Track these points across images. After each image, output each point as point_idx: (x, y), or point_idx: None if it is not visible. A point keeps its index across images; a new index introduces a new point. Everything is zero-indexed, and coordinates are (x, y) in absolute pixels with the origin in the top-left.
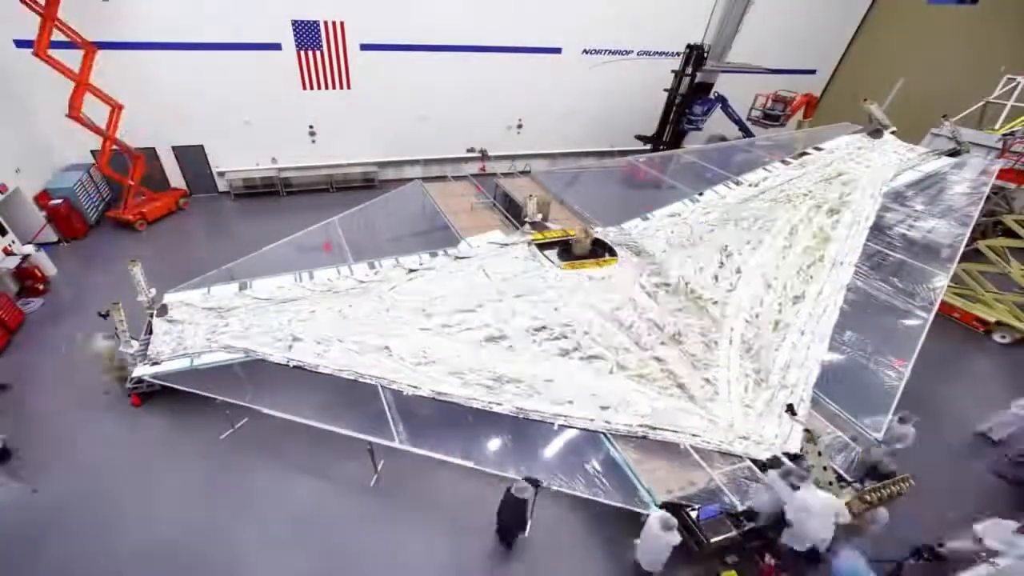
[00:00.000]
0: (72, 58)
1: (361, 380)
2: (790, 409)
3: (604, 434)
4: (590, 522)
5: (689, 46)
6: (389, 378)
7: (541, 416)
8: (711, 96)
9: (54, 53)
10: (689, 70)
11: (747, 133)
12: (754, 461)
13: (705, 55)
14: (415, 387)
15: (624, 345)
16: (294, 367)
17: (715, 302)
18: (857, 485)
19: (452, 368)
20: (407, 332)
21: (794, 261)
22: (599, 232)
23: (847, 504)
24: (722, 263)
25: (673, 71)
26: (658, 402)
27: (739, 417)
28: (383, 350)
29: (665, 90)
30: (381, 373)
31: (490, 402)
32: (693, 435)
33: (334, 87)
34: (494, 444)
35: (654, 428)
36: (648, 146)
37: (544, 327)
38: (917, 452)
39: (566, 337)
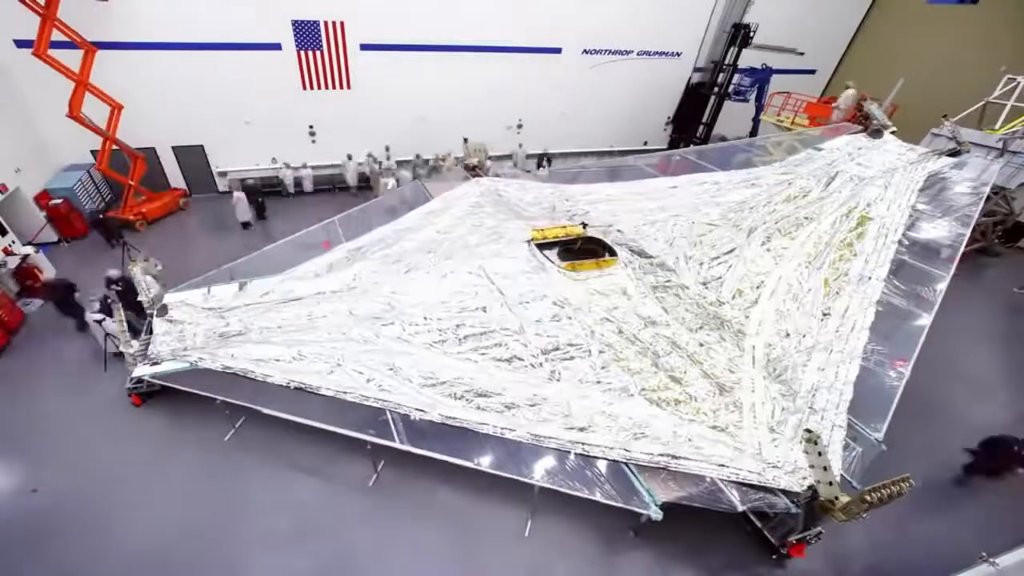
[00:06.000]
0: (72, 58)
1: (365, 403)
2: (810, 437)
3: (624, 464)
4: (590, 521)
5: (735, 25)
6: (395, 401)
7: (558, 444)
8: (761, 67)
9: (54, 53)
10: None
11: (755, 127)
12: (786, 492)
13: (752, 34)
14: (422, 411)
15: (642, 365)
16: (295, 388)
17: (737, 322)
18: None
19: (460, 390)
20: (413, 350)
21: (819, 274)
22: (594, 231)
23: (848, 504)
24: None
25: (697, 68)
26: (680, 428)
27: (766, 443)
28: (389, 370)
29: (696, 85)
30: (386, 396)
31: (503, 428)
32: (720, 465)
33: (334, 87)
34: (493, 444)
35: (676, 458)
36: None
37: (556, 347)
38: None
39: (580, 358)
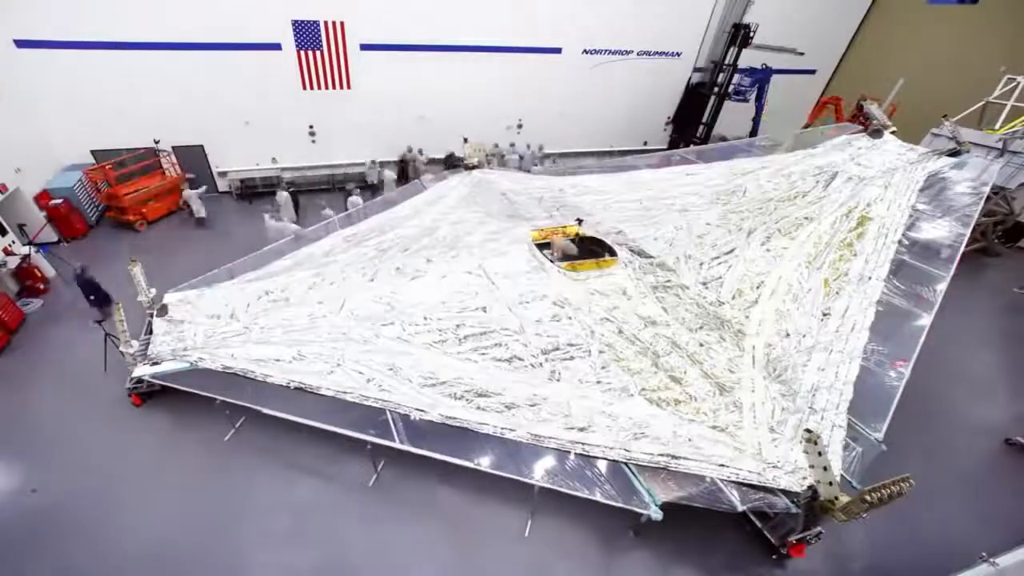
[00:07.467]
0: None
1: (365, 403)
2: (810, 437)
3: (624, 464)
4: (590, 521)
5: (735, 25)
6: (395, 401)
7: (558, 444)
8: (760, 67)
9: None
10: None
11: (755, 127)
12: (786, 492)
13: (752, 34)
14: (422, 411)
15: (642, 365)
16: (295, 388)
17: (737, 322)
18: None
19: (459, 390)
20: (413, 350)
21: (819, 274)
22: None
23: (848, 504)
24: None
25: (697, 68)
26: (680, 428)
27: (766, 443)
28: (389, 370)
29: (696, 85)
30: (386, 396)
31: (503, 428)
32: (720, 465)
33: (334, 87)
34: (493, 444)
35: (676, 458)
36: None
37: (556, 347)
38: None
39: (580, 358)
